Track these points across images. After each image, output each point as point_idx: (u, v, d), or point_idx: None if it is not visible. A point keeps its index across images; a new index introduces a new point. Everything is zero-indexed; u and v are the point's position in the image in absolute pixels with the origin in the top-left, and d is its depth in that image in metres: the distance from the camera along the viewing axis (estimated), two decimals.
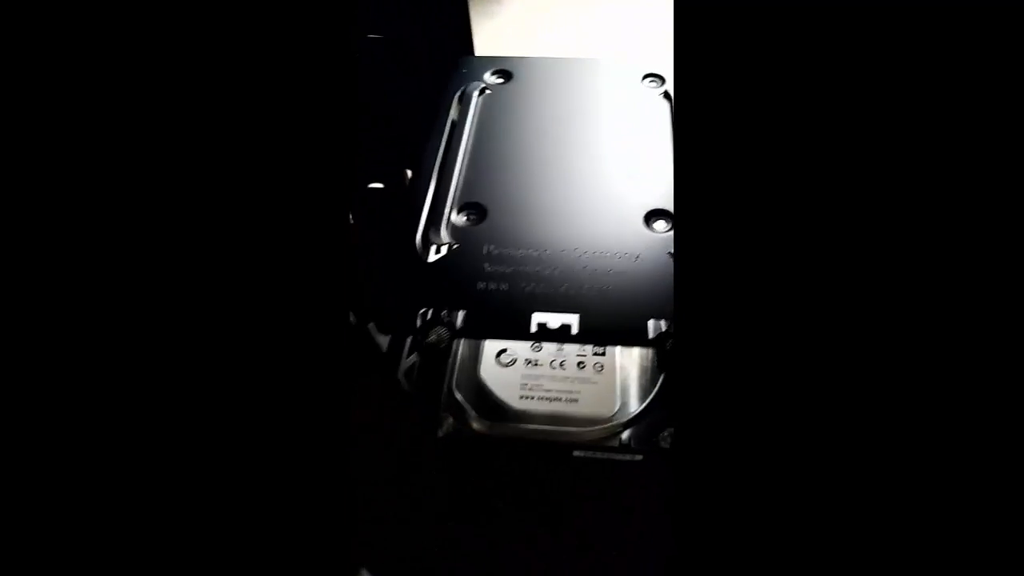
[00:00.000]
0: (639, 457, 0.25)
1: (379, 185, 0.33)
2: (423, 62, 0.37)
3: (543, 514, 0.25)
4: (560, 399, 0.26)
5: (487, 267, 0.29)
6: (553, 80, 0.37)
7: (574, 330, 0.26)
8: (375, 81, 0.34)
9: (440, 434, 0.25)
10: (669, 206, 0.30)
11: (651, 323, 0.27)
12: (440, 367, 0.27)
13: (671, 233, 0.30)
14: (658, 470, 0.25)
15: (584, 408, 0.26)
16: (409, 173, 0.32)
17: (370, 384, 0.26)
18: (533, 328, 0.26)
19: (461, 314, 0.27)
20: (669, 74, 0.37)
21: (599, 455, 0.25)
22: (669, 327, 0.26)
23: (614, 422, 0.25)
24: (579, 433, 0.25)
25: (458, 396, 0.26)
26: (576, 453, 0.25)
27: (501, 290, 0.28)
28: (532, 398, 0.26)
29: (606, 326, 0.26)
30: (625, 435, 0.25)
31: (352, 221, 0.30)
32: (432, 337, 0.27)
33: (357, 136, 0.33)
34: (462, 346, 0.28)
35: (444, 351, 0.27)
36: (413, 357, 0.27)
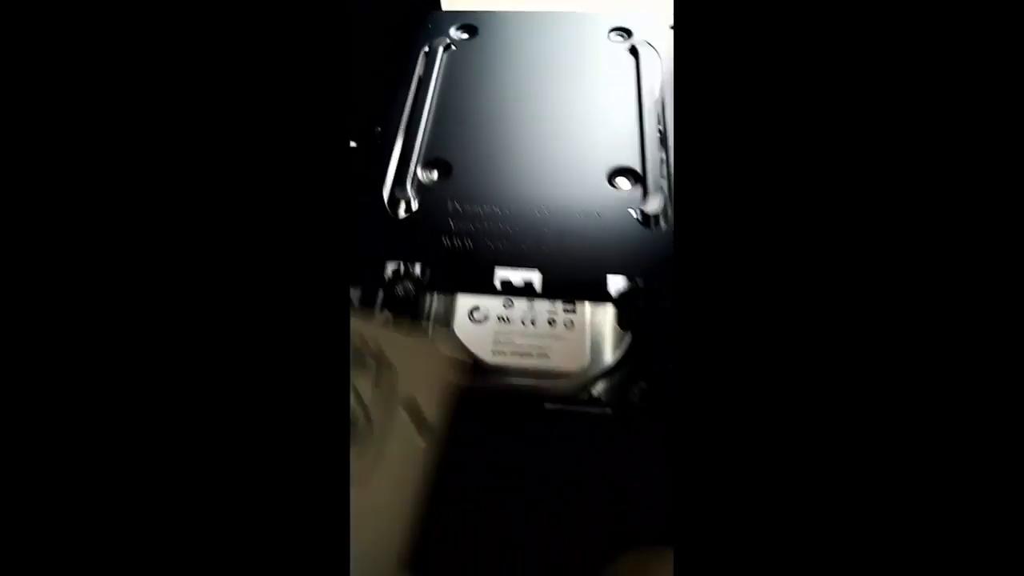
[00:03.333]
0: (608, 411, 0.26)
1: (354, 144, 0.33)
2: (390, 19, 0.38)
3: (516, 469, 0.25)
4: (531, 354, 0.26)
5: (452, 224, 0.29)
6: (518, 36, 0.38)
7: (537, 286, 0.27)
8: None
9: None
10: (633, 163, 0.31)
11: (611, 278, 0.27)
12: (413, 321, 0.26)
13: (633, 190, 0.30)
14: (628, 425, 0.26)
15: (555, 362, 0.26)
16: (379, 129, 0.32)
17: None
18: (497, 284, 0.27)
19: (429, 270, 0.27)
20: (636, 27, 0.38)
21: (570, 407, 0.26)
22: (631, 284, 0.27)
23: (585, 376, 0.26)
24: (550, 386, 0.26)
25: None
26: (547, 406, 0.26)
27: (466, 246, 0.28)
28: (504, 353, 0.26)
29: (567, 282, 0.27)
30: (596, 389, 0.26)
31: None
32: (400, 291, 0.27)
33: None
34: (435, 304, 0.28)
35: (412, 304, 0.27)
36: (384, 313, 0.27)
